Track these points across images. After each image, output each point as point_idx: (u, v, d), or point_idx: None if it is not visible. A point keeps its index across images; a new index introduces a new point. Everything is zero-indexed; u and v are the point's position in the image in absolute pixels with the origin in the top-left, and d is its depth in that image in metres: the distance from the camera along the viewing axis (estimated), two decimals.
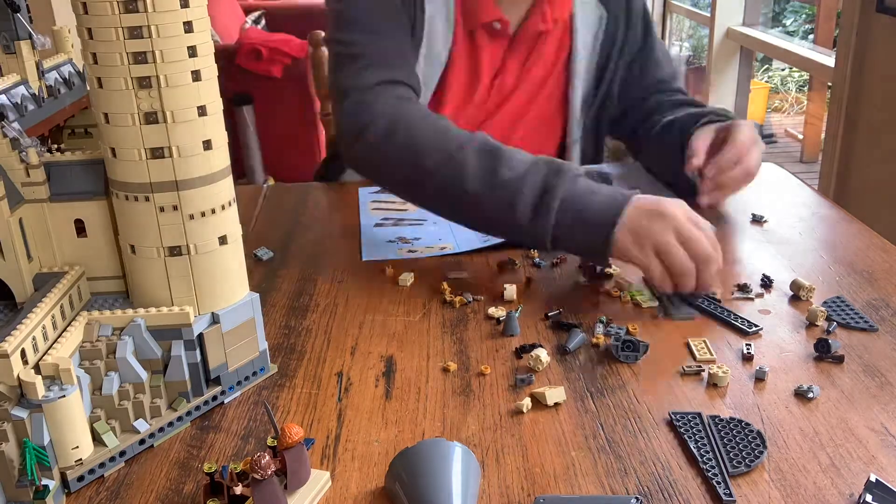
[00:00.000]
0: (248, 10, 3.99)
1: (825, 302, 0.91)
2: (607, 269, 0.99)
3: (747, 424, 0.70)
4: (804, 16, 5.59)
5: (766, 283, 0.95)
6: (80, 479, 0.65)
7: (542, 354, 0.79)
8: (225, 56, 2.94)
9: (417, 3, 1.21)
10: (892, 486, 0.62)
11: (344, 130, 1.12)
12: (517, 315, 0.88)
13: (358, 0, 1.18)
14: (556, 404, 0.74)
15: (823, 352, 0.80)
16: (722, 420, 0.70)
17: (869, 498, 0.60)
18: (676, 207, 0.90)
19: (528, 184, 0.93)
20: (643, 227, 0.88)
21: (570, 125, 1.39)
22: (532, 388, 0.76)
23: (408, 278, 0.99)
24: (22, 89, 0.79)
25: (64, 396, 0.62)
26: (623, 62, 1.36)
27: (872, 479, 0.62)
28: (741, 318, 0.87)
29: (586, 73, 1.36)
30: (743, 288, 0.94)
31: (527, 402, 0.74)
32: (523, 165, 0.95)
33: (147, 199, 0.70)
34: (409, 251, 1.08)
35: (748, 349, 0.81)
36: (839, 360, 0.80)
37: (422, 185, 1.02)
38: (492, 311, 0.91)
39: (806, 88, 5.41)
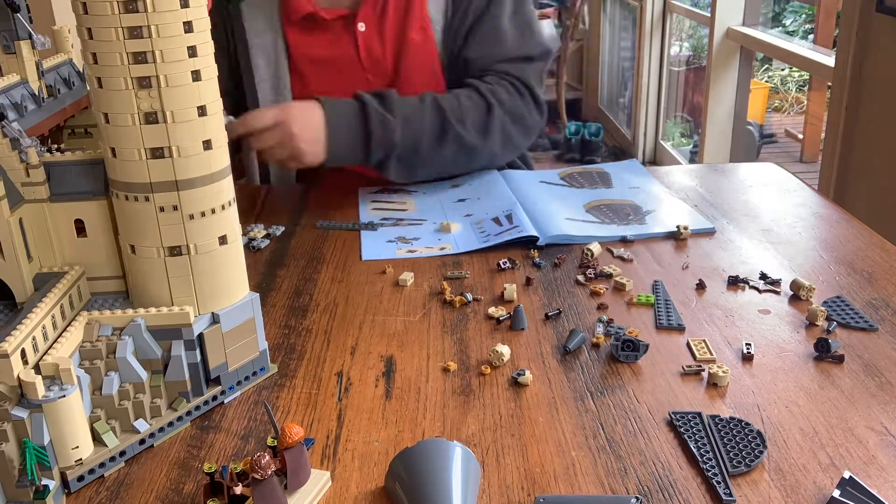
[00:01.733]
0: None
1: (825, 302, 0.91)
2: (606, 269, 0.99)
3: (747, 424, 0.70)
4: (804, 16, 5.59)
5: (771, 281, 0.95)
6: (80, 479, 0.65)
7: (504, 350, 0.80)
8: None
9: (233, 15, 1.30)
10: (866, 484, 0.62)
11: None
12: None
13: None
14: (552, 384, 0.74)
15: (823, 351, 0.80)
16: (722, 420, 0.70)
17: (837, 494, 0.61)
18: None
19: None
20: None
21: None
22: (527, 381, 0.77)
23: (408, 278, 0.99)
24: (22, 89, 0.79)
25: (64, 396, 0.62)
26: (466, 25, 1.33)
27: (846, 475, 0.62)
28: None
29: (444, 34, 1.34)
30: (765, 278, 0.96)
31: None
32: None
33: (147, 199, 0.70)
34: (409, 251, 1.08)
35: (748, 349, 0.81)
36: (839, 359, 0.80)
37: None
38: (492, 310, 0.91)
39: (806, 88, 5.41)
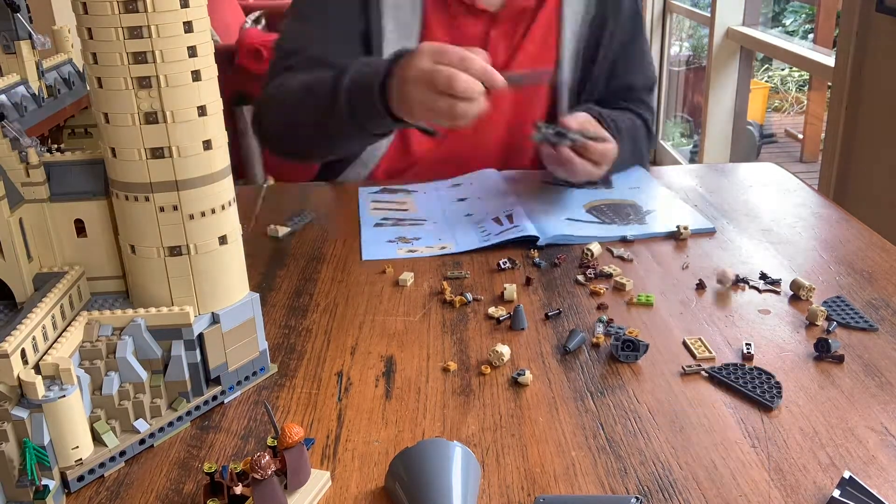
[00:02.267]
0: (248, 10, 3.98)
1: (825, 302, 0.91)
2: (606, 269, 0.99)
3: (770, 375, 0.77)
4: (804, 16, 5.59)
5: (771, 281, 0.95)
6: (80, 479, 0.65)
7: (504, 350, 0.80)
8: (225, 56, 2.94)
9: None
10: (866, 484, 0.62)
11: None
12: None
13: None
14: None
15: (823, 351, 0.80)
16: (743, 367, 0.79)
17: (837, 494, 0.61)
18: (427, 45, 1.04)
19: (330, 80, 1.16)
20: (408, 67, 1.02)
21: (558, 108, 1.40)
22: (527, 381, 0.77)
23: (408, 278, 0.99)
24: (22, 89, 0.79)
25: (64, 396, 0.62)
26: (609, 55, 1.38)
27: (846, 475, 0.62)
28: (761, 389, 0.76)
29: (573, 59, 1.37)
30: (765, 278, 0.97)
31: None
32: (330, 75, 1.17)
33: (147, 199, 0.70)
34: (409, 251, 1.08)
35: (748, 349, 0.81)
36: (839, 359, 0.80)
37: (294, 132, 1.28)
38: (492, 310, 0.91)
39: (806, 88, 5.41)
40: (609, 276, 0.99)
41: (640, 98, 1.43)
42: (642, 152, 1.39)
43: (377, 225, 1.17)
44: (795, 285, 0.93)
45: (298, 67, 1.28)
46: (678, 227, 1.09)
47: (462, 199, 1.25)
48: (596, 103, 1.35)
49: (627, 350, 0.80)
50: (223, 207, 0.73)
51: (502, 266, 1.02)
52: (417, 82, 1.01)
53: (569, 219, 1.15)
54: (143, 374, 0.70)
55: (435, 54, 1.01)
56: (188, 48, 0.67)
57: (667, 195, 1.25)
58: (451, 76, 0.98)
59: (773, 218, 1.16)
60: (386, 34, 1.28)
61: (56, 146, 0.77)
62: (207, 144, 0.70)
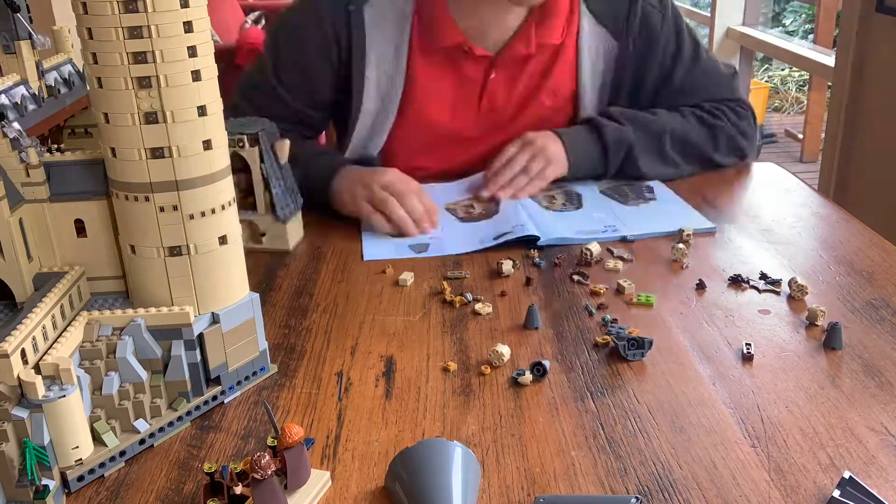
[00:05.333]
0: (247, 10, 3.98)
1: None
2: (608, 264, 0.99)
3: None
4: (804, 16, 5.59)
5: (772, 281, 0.95)
6: (80, 478, 0.65)
7: (504, 350, 0.80)
8: (225, 56, 2.94)
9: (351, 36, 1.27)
10: (865, 484, 0.62)
11: None
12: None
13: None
14: (540, 378, 0.74)
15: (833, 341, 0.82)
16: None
17: (837, 494, 0.61)
18: (375, 176, 1.16)
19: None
20: (349, 189, 1.17)
21: None
22: (527, 381, 0.77)
23: (408, 278, 0.99)
24: (22, 89, 0.79)
25: (64, 396, 0.62)
26: (648, 88, 1.34)
27: (846, 475, 0.62)
28: None
29: (594, 104, 1.34)
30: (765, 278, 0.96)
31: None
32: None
33: (147, 199, 0.70)
34: (410, 247, 1.08)
35: (748, 349, 0.81)
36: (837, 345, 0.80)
37: None
38: (478, 307, 0.91)
39: (806, 88, 5.41)
40: (609, 270, 0.99)
41: (723, 99, 1.35)
42: (698, 148, 1.31)
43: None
44: (795, 285, 0.93)
45: (257, 103, 1.28)
46: (681, 230, 1.09)
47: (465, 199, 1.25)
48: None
49: (634, 349, 0.80)
50: (223, 207, 0.73)
51: (502, 266, 1.02)
52: (356, 200, 1.16)
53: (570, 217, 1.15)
54: (143, 374, 0.70)
55: (385, 185, 1.15)
56: (188, 48, 0.67)
57: (667, 195, 1.25)
58: (394, 211, 1.13)
59: (773, 218, 1.16)
60: (367, 83, 1.28)
61: (56, 146, 0.77)
62: (207, 144, 0.70)
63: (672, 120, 1.30)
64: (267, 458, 0.58)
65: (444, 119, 1.33)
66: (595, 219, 1.16)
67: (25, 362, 0.63)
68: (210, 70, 0.70)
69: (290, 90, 1.30)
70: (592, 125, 1.28)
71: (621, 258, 1.04)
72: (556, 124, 1.31)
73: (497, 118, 1.34)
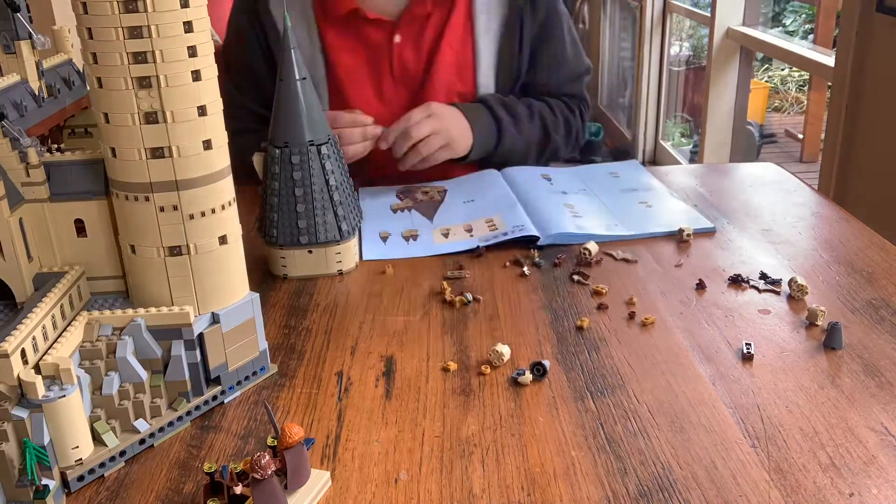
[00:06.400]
0: None
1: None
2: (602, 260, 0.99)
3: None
4: (804, 16, 5.59)
5: (772, 281, 0.95)
6: (80, 478, 0.65)
7: (504, 350, 0.81)
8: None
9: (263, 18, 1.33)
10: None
11: None
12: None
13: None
14: (538, 377, 0.74)
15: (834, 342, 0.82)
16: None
17: None
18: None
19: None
20: None
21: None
22: (527, 381, 0.77)
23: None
24: (22, 89, 0.79)
25: (64, 396, 0.62)
26: (527, 47, 1.40)
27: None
28: None
29: (493, 55, 1.39)
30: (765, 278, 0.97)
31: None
32: None
33: (147, 199, 0.70)
34: (411, 237, 1.09)
35: (748, 349, 0.81)
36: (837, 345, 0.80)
37: None
38: (459, 298, 0.92)
39: (806, 88, 5.41)
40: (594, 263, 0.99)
41: (567, 91, 1.47)
42: (556, 139, 1.43)
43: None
44: (794, 285, 0.93)
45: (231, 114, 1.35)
46: (681, 229, 1.09)
47: (468, 202, 1.25)
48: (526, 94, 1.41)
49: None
50: (223, 207, 0.73)
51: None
52: None
53: (573, 214, 1.15)
54: (143, 374, 0.70)
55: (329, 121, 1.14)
56: (188, 48, 0.67)
57: (667, 195, 1.25)
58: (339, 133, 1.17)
59: (773, 218, 1.16)
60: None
61: (56, 146, 0.77)
62: (207, 144, 0.70)
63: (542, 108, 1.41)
64: (267, 458, 0.58)
65: (368, 93, 1.37)
66: (595, 219, 1.16)
67: (25, 362, 0.63)
68: (210, 70, 0.70)
69: (244, 92, 1.37)
70: (488, 107, 1.34)
71: (624, 260, 1.04)
72: (465, 77, 1.37)
73: (412, 82, 1.38)
